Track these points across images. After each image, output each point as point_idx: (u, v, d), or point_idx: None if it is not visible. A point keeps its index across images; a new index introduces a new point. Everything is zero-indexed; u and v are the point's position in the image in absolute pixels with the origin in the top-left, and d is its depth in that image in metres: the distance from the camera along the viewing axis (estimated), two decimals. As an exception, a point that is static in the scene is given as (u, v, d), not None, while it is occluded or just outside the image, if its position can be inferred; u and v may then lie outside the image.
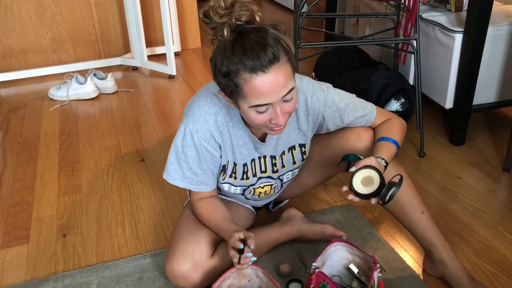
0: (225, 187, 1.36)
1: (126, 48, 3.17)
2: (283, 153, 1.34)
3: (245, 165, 1.30)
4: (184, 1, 3.23)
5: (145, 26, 3.04)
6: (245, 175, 1.32)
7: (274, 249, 1.46)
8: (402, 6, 2.08)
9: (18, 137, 2.25)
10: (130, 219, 1.65)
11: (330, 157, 1.40)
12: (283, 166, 1.37)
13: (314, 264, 1.19)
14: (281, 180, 1.41)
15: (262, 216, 1.62)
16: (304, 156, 1.39)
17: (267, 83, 1.01)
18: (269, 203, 1.60)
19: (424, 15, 2.05)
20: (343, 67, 2.22)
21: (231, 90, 1.06)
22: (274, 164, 1.34)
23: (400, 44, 2.12)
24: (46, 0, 2.91)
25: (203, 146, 1.22)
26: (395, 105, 2.04)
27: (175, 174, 1.27)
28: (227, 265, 1.28)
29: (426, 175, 1.83)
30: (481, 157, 1.94)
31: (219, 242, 1.32)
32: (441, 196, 1.71)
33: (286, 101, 1.07)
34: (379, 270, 1.18)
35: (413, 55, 1.92)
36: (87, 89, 2.59)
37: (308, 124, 1.30)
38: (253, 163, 1.31)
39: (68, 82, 2.61)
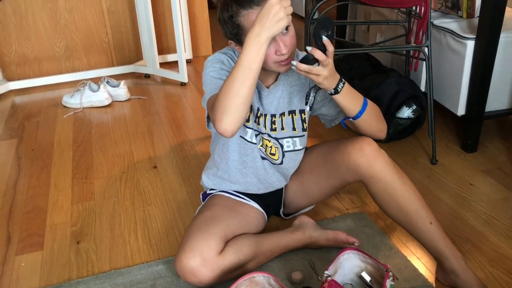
0: (248, 133, 1.39)
1: (138, 56, 3.20)
2: (283, 114, 1.40)
3: (255, 108, 1.38)
4: (195, 9, 3.26)
5: (157, 33, 3.07)
6: (257, 119, 1.38)
7: (286, 256, 1.46)
8: (413, 13, 2.08)
9: (33, 144, 2.28)
10: (143, 226, 1.67)
11: (334, 171, 1.42)
12: (282, 129, 1.41)
13: (326, 272, 1.19)
14: (282, 146, 1.43)
15: (274, 223, 1.62)
16: (305, 125, 1.44)
17: None
18: (280, 209, 1.60)
19: (436, 22, 2.05)
20: (354, 74, 2.22)
21: (236, 33, 1.22)
22: (273, 122, 1.39)
23: (411, 51, 2.12)
24: (60, 8, 2.96)
25: (226, 59, 1.33)
26: (406, 111, 2.03)
27: (209, 90, 1.29)
28: (237, 263, 1.29)
29: (438, 182, 1.83)
30: (494, 164, 1.92)
31: (229, 239, 1.33)
32: (454, 204, 1.70)
33: (284, 34, 1.20)
34: (391, 278, 1.18)
35: (424, 61, 1.92)
36: (100, 96, 2.62)
37: (306, 85, 1.41)
38: (258, 112, 1.38)
39: (81, 90, 2.64)
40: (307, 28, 1.87)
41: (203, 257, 1.25)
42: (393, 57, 2.42)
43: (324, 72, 1.18)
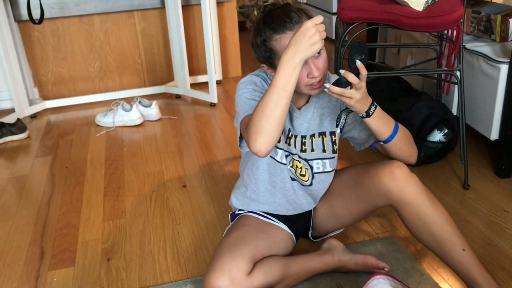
0: (279, 154, 1.40)
1: (169, 77, 3.27)
2: (314, 135, 1.41)
3: (286, 129, 1.40)
4: (226, 31, 3.32)
5: (188, 55, 3.13)
6: (288, 140, 1.39)
7: (314, 280, 1.45)
8: (445, 36, 2.08)
9: (66, 162, 2.34)
10: (172, 244, 1.68)
11: (364, 195, 1.41)
12: (312, 150, 1.41)
13: (356, 297, 1.18)
14: (311, 168, 1.43)
15: (302, 246, 1.62)
16: (335, 147, 1.44)
17: None
18: (308, 231, 1.59)
19: (468, 46, 2.03)
20: (385, 97, 2.22)
21: (269, 56, 1.25)
22: (303, 144, 1.40)
23: (443, 74, 2.10)
24: (95, 30, 3.06)
25: (259, 81, 1.36)
26: (438, 135, 2.01)
27: (243, 111, 1.31)
28: (265, 285, 1.29)
29: (471, 208, 1.79)
30: (529, 191, 1.88)
31: (257, 261, 1.32)
32: (487, 230, 1.66)
33: (316, 57, 1.21)
34: (423, 305, 1.16)
35: (456, 85, 1.90)
36: (132, 116, 2.68)
37: (337, 107, 1.42)
38: (289, 133, 1.40)
39: (114, 109, 2.71)
40: (338, 51, 1.89)
41: (232, 278, 1.25)
42: (424, 80, 2.40)
43: (357, 95, 1.19)
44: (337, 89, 1.18)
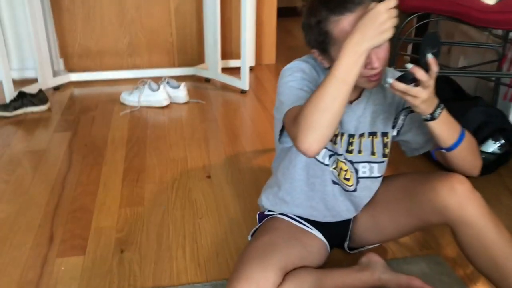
0: (321, 153, 1.24)
1: (200, 59, 3.11)
2: (362, 135, 1.24)
3: None
4: (264, 16, 3.15)
5: (222, 37, 2.96)
6: (333, 137, 1.22)
7: (349, 298, 1.29)
8: (510, 38, 1.87)
9: (86, 139, 2.21)
10: (192, 241, 1.53)
11: (416, 210, 1.24)
12: (359, 151, 1.24)
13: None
14: (356, 171, 1.26)
15: (336, 256, 1.45)
16: (386, 150, 1.26)
17: (356, 22, 0.99)
18: (344, 242, 1.43)
19: (536, 49, 1.83)
20: (434, 98, 2.02)
21: (323, 41, 1.08)
22: (350, 143, 1.23)
23: (504, 79, 1.90)
24: (128, 4, 2.91)
25: (308, 68, 1.18)
26: (492, 146, 1.82)
27: (289, 101, 1.13)
28: None
29: (526, 230, 1.60)
30: None
31: (288, 272, 1.16)
32: (546, 258, 1.47)
33: (379, 46, 1.02)
34: None
35: (520, 92, 1.71)
36: (159, 96, 2.53)
37: (392, 106, 1.25)
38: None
39: (140, 88, 2.57)
40: (394, 46, 1.70)
41: None
42: (478, 84, 2.20)
43: (424, 94, 1.02)
44: (401, 86, 1.01)
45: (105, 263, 1.44)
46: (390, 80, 1.02)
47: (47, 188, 1.81)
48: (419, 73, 0.99)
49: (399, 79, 1.01)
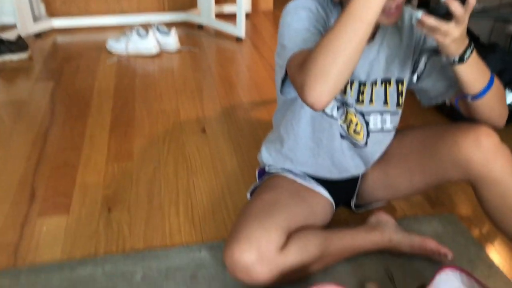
0: (329, 106, 1.10)
1: (192, 3, 2.91)
2: (375, 82, 1.11)
3: None
4: (260, -43, 2.93)
5: (215, -20, 2.76)
6: None
7: (358, 260, 1.18)
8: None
9: (70, 90, 2.05)
10: (186, 199, 1.41)
11: (434, 165, 1.12)
12: (371, 101, 1.11)
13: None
14: (367, 124, 1.14)
15: (342, 215, 1.34)
16: (400, 100, 1.14)
17: None
18: (351, 199, 1.31)
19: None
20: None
21: None
22: (361, 92, 1.10)
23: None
24: None
25: (315, 6, 1.01)
26: (509, 95, 1.68)
27: (293, 45, 0.98)
28: (299, 264, 1.04)
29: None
30: None
31: (292, 233, 1.06)
32: None
33: None
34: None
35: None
36: (148, 44, 2.36)
37: (410, 49, 1.10)
38: None
39: (128, 35, 2.39)
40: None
41: (261, 252, 0.99)
42: (492, 30, 2.04)
43: (456, 31, 0.87)
44: (432, 21, 0.86)
45: (90, 223, 1.32)
46: (419, 13, 0.87)
47: (28, 141, 1.67)
48: (454, 5, 0.84)
49: (430, 12, 0.87)
